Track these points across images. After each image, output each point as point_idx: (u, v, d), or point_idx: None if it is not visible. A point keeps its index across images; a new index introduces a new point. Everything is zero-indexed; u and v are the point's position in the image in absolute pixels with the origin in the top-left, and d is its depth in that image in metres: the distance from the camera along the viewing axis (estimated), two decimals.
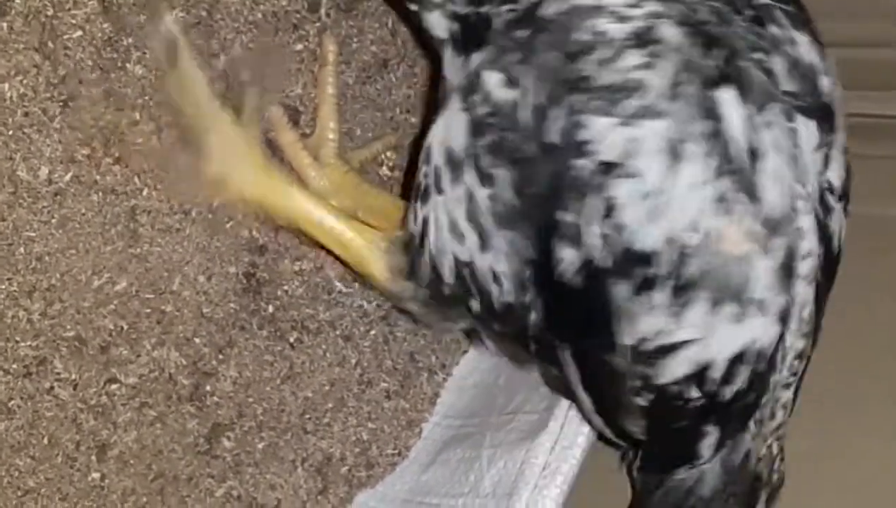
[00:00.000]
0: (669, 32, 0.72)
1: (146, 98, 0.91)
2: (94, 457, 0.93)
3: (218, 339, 0.97)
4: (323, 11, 1.00)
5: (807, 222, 0.76)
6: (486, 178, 0.77)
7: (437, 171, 0.80)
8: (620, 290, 0.74)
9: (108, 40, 0.89)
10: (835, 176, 0.79)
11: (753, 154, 0.72)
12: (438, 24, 0.83)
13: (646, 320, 0.74)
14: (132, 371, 0.93)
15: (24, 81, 0.86)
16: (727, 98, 0.72)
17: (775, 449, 0.87)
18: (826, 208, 0.79)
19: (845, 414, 1.06)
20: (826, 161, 0.78)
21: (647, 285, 0.73)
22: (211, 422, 0.97)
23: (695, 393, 0.76)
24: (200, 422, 0.96)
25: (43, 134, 0.87)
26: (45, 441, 0.91)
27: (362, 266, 0.91)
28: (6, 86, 0.85)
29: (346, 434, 1.03)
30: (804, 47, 0.77)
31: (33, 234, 0.88)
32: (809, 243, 0.76)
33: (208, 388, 0.96)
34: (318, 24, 1.00)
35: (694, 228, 0.71)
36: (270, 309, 0.99)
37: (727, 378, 0.76)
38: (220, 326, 0.96)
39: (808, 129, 0.76)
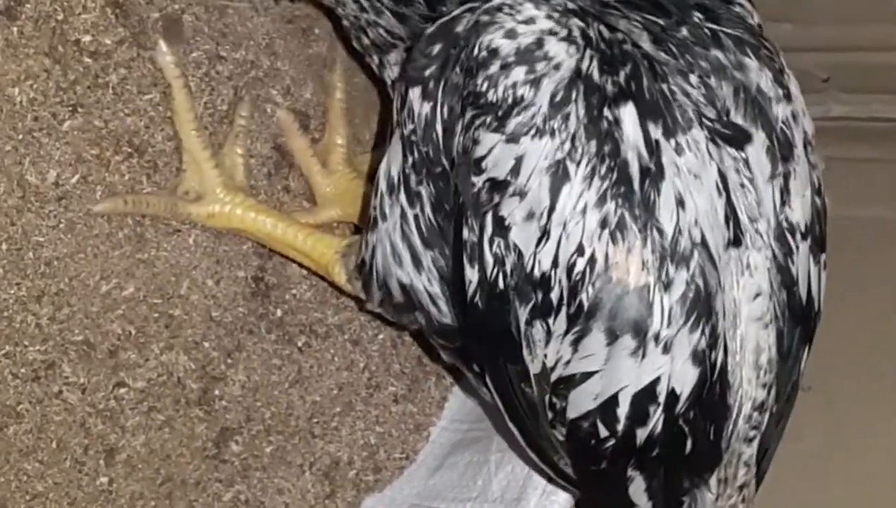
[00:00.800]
0: (557, 49, 0.69)
1: (157, 106, 0.91)
2: (102, 461, 0.92)
3: (226, 343, 0.97)
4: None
5: (757, 259, 0.73)
6: (414, 197, 0.77)
7: (382, 200, 0.80)
8: (520, 314, 0.72)
9: (119, 43, 0.89)
10: (796, 212, 0.76)
11: (651, 178, 0.69)
12: (396, 60, 0.84)
13: (545, 348, 0.72)
14: (140, 375, 0.93)
15: (34, 86, 0.86)
16: (625, 118, 0.69)
17: None
18: (786, 249, 0.75)
19: (850, 411, 1.06)
20: (784, 194, 0.75)
21: (542, 311, 0.71)
22: (219, 426, 0.97)
23: (604, 431, 0.73)
24: (209, 426, 0.96)
25: (52, 138, 0.87)
26: (54, 445, 0.91)
27: (325, 271, 0.93)
28: (16, 90, 0.85)
29: (354, 438, 1.03)
30: (753, 73, 0.75)
31: (42, 239, 0.88)
32: (760, 282, 0.74)
33: (216, 392, 0.96)
34: (328, 28, 1.00)
35: (580, 253, 0.69)
36: (279, 313, 0.99)
37: (635, 417, 0.72)
38: (228, 330, 0.96)
39: (756, 158, 0.74)
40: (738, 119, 0.74)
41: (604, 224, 0.68)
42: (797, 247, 0.76)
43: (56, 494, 0.91)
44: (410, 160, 0.77)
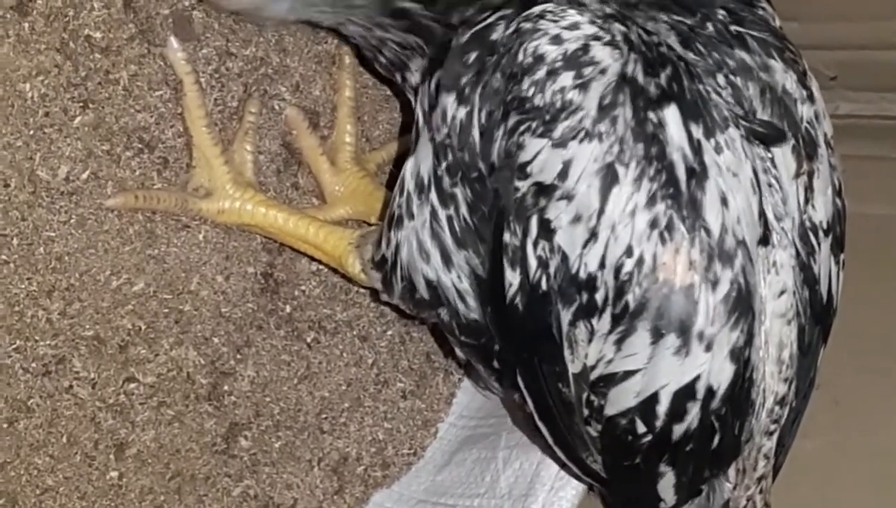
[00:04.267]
0: (602, 54, 0.70)
1: (167, 103, 0.92)
2: (112, 456, 0.93)
3: (236, 339, 0.97)
4: None
5: (783, 257, 0.74)
6: (447, 198, 0.77)
7: (409, 199, 0.80)
8: (562, 316, 0.73)
9: (130, 40, 0.89)
10: (819, 211, 0.77)
11: (696, 178, 0.70)
12: (417, 68, 0.85)
13: (587, 348, 0.73)
14: (150, 370, 0.93)
15: (46, 81, 0.86)
16: (669, 120, 0.70)
17: (759, 503, 0.83)
18: (809, 248, 0.77)
19: (857, 409, 1.07)
20: (808, 192, 0.76)
21: (587, 311, 0.72)
22: (228, 422, 0.97)
23: (642, 427, 0.74)
24: (218, 422, 0.97)
25: (63, 134, 0.88)
26: (64, 439, 0.91)
27: (338, 263, 0.94)
28: (27, 86, 0.86)
29: (363, 434, 1.04)
30: (778, 74, 0.76)
31: (53, 234, 0.88)
32: (785, 279, 0.75)
33: (226, 388, 0.97)
34: None
35: (629, 254, 0.70)
36: (288, 308, 1.00)
37: (674, 414, 0.73)
38: (237, 326, 0.97)
39: (782, 157, 0.75)
40: (765, 118, 0.75)
41: (653, 225, 0.69)
42: (819, 246, 0.77)
43: (66, 488, 0.91)
44: (444, 164, 0.77)
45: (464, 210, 0.77)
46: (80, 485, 0.92)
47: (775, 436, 0.80)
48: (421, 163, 0.80)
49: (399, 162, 1.03)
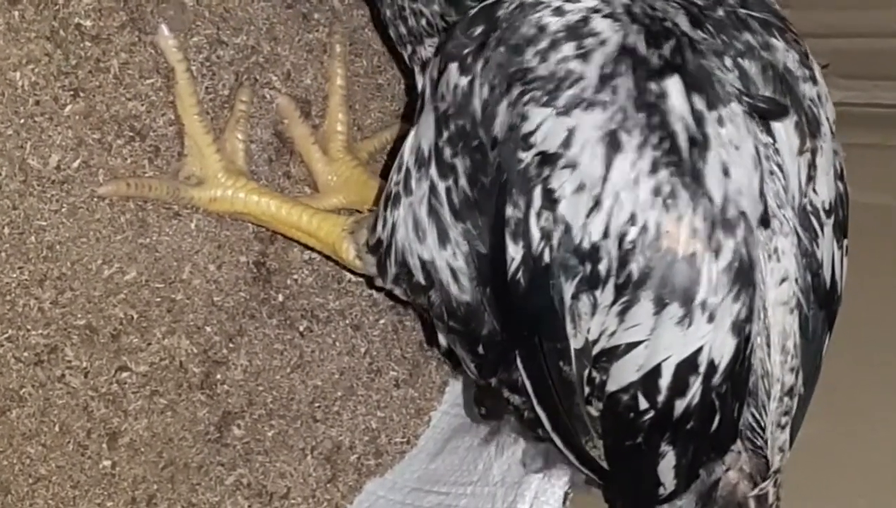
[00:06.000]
0: (602, 25, 0.71)
1: (159, 91, 0.91)
2: (105, 445, 0.93)
3: (228, 328, 0.97)
4: (335, 1, 1.00)
5: (784, 244, 0.74)
6: (447, 169, 0.77)
7: (407, 175, 0.80)
8: (565, 289, 0.73)
9: (121, 28, 0.89)
10: (822, 192, 0.77)
11: (698, 148, 0.70)
12: (430, 45, 0.85)
13: (590, 320, 0.73)
14: (143, 359, 0.93)
15: (36, 70, 0.86)
16: (671, 90, 0.70)
17: (771, 497, 0.83)
18: (811, 233, 0.76)
19: (854, 398, 1.06)
20: (811, 170, 0.76)
21: (590, 282, 0.72)
22: (221, 410, 0.97)
23: (644, 403, 0.74)
24: (211, 410, 0.97)
25: (54, 122, 0.88)
26: (57, 428, 0.91)
27: (332, 250, 0.93)
28: (18, 74, 0.85)
29: (356, 423, 1.04)
30: (780, 52, 0.76)
31: (44, 223, 0.88)
32: (787, 267, 0.75)
33: (219, 377, 0.97)
34: (328, 14, 1.00)
35: (632, 222, 0.70)
36: (280, 297, 0.99)
37: (676, 388, 0.73)
38: (230, 315, 0.97)
39: (785, 133, 0.75)
40: (767, 94, 0.75)
41: (656, 192, 0.70)
42: (822, 229, 0.77)
43: (59, 477, 0.91)
44: (446, 134, 0.77)
45: (463, 181, 0.77)
46: (72, 474, 0.92)
47: (787, 429, 0.80)
48: (422, 137, 0.79)
49: (392, 152, 1.03)
